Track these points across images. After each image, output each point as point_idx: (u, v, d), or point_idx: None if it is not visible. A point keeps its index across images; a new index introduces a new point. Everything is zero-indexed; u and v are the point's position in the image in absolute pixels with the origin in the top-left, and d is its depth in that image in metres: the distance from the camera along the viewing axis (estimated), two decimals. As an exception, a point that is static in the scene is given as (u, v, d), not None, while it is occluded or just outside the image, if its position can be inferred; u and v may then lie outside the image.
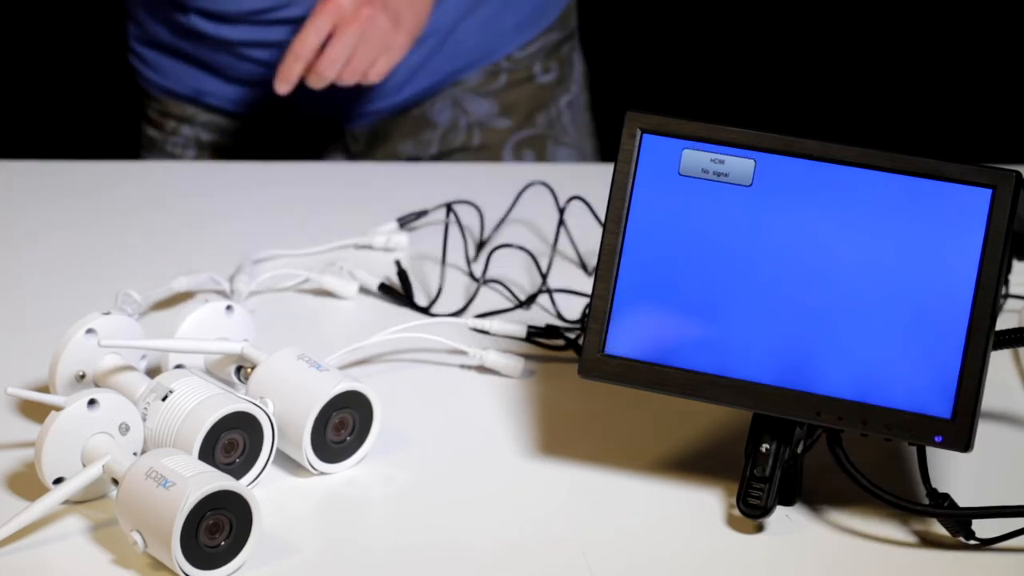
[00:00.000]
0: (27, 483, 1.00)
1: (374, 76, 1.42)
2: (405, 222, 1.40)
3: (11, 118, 2.55)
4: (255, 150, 1.61)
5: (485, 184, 1.43)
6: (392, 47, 1.41)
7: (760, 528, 0.97)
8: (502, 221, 1.40)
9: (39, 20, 2.50)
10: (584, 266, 1.34)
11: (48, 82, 2.49)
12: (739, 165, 0.98)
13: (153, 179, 1.54)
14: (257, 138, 1.61)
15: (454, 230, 1.36)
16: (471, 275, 1.32)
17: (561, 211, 1.36)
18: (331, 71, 1.39)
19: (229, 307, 1.11)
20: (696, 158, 0.99)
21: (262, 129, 1.61)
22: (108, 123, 1.57)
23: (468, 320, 1.21)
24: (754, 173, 0.98)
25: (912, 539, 0.96)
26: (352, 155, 1.63)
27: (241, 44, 1.52)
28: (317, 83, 1.40)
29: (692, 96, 2.68)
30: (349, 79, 1.41)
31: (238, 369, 1.08)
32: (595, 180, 1.43)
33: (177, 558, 0.89)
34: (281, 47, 1.45)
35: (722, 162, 0.98)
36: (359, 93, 1.56)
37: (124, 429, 0.98)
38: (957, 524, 0.95)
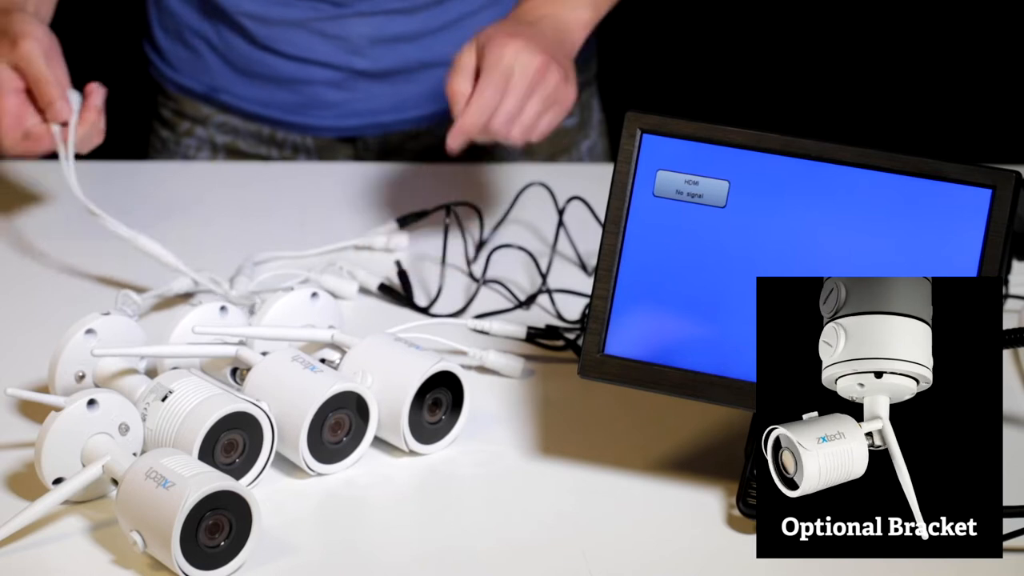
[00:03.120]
0: (27, 483, 1.00)
1: (542, 129, 1.31)
2: (405, 223, 1.40)
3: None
4: (268, 154, 1.61)
5: (484, 185, 1.43)
6: (561, 100, 1.31)
7: (760, 528, 0.97)
8: (501, 221, 1.40)
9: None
10: (584, 266, 1.34)
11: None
12: (713, 186, 0.98)
13: (153, 179, 1.54)
14: (270, 142, 1.61)
15: (454, 230, 1.36)
16: (471, 275, 1.32)
17: (560, 211, 1.36)
18: (517, 135, 1.29)
19: (223, 308, 1.11)
20: (670, 179, 0.99)
21: (276, 133, 1.61)
22: (117, 124, 1.56)
23: (468, 320, 1.21)
24: (728, 194, 0.98)
25: (912, 539, 0.96)
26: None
27: (276, 23, 1.52)
28: (483, 137, 1.30)
29: (692, 96, 2.68)
30: (537, 140, 1.32)
31: (233, 371, 1.08)
32: (595, 180, 1.43)
33: (177, 558, 0.89)
34: (309, 37, 1.44)
35: (696, 183, 0.98)
36: (377, 104, 1.55)
37: (124, 429, 0.98)
38: (957, 524, 0.95)
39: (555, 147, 1.62)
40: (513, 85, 1.26)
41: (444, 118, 1.58)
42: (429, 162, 1.58)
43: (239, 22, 1.53)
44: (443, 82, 1.30)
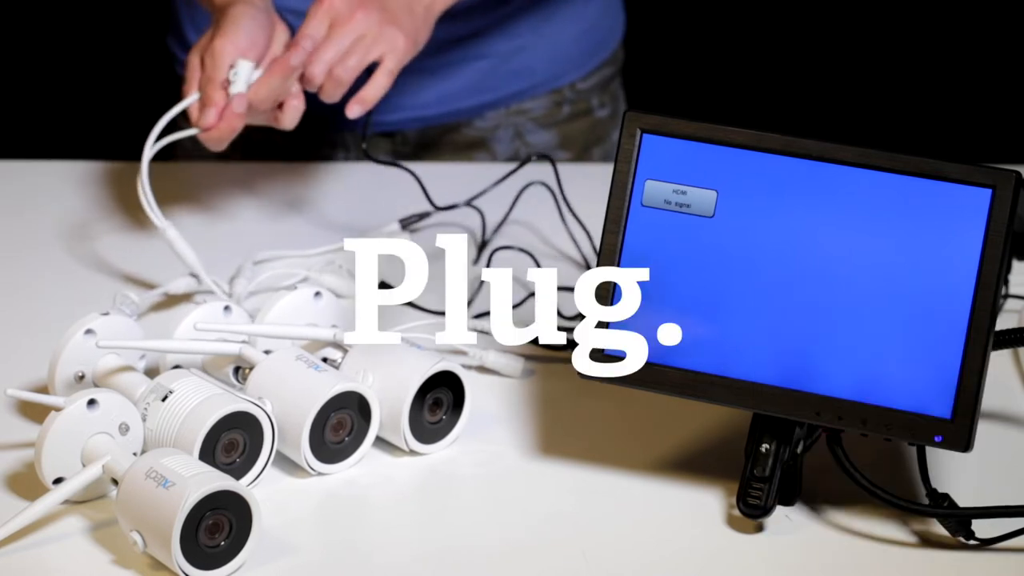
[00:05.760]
0: (27, 483, 1.00)
1: (382, 78, 1.34)
2: (407, 224, 1.40)
3: (55, 117, 2.52)
4: (292, 148, 1.59)
5: (486, 185, 1.43)
6: (396, 48, 1.34)
7: (760, 528, 0.97)
8: (503, 222, 1.40)
9: (62, 19, 2.46)
10: (588, 266, 1.34)
11: (81, 79, 2.44)
12: (700, 196, 0.98)
13: (153, 179, 1.54)
14: (294, 136, 1.59)
15: (455, 231, 1.36)
16: (472, 276, 1.32)
17: (561, 211, 1.36)
18: (319, 71, 1.31)
19: (227, 307, 1.11)
20: (659, 189, 0.99)
21: (300, 127, 1.59)
22: (133, 123, 1.54)
23: (468, 320, 1.20)
24: (716, 204, 0.98)
25: (912, 539, 0.96)
26: (398, 158, 1.61)
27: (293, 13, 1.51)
28: (308, 87, 1.33)
29: (692, 96, 2.68)
30: (347, 77, 1.33)
31: (236, 370, 1.08)
32: (595, 180, 1.43)
33: (177, 558, 0.89)
34: None
35: (684, 193, 0.98)
36: (420, 98, 1.55)
37: (124, 429, 0.98)
38: (957, 524, 0.95)
39: (589, 138, 1.62)
40: (332, 31, 1.31)
41: (483, 110, 1.58)
42: (465, 156, 1.58)
43: (284, 18, 1.52)
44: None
